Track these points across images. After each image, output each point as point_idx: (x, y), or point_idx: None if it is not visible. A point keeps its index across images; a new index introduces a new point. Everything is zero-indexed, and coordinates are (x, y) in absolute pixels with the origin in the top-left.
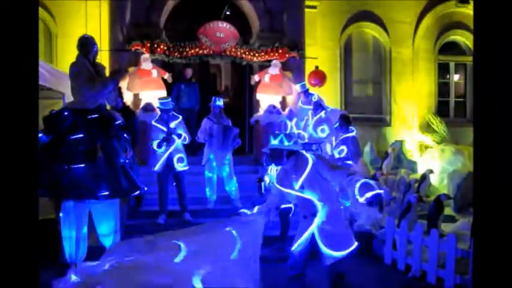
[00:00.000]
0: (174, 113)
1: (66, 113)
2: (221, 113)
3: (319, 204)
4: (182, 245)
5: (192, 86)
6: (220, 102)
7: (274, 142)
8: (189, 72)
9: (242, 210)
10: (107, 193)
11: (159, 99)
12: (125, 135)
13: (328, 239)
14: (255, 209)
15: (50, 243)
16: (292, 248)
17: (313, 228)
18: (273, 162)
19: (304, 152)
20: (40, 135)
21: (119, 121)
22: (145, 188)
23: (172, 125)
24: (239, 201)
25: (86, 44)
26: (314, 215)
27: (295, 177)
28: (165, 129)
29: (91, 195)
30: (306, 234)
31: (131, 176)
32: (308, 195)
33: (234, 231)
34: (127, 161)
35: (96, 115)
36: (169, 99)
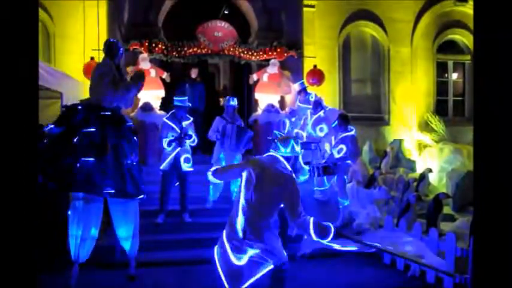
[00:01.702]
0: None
1: (80, 107)
2: (235, 112)
3: None
4: None
5: (196, 86)
6: (234, 102)
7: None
8: (195, 71)
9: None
10: (112, 191)
11: (175, 96)
12: (135, 138)
13: None
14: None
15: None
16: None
17: None
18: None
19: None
20: (51, 126)
21: (130, 123)
22: (145, 196)
23: (183, 125)
24: None
25: (112, 48)
26: None
27: None
28: (177, 128)
29: (96, 191)
30: None
31: (137, 180)
32: None
33: None
34: (134, 163)
35: (109, 113)
36: (186, 98)
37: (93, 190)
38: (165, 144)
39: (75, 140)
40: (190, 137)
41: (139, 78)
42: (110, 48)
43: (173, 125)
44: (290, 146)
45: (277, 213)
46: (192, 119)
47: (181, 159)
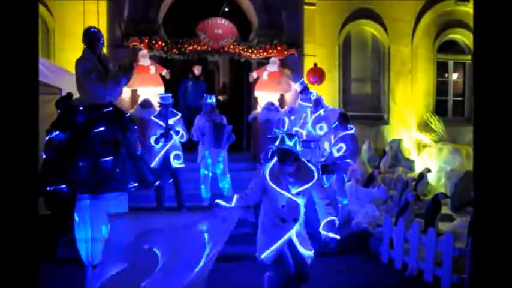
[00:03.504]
0: (173, 109)
1: (81, 108)
2: (213, 110)
3: (302, 210)
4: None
5: (199, 84)
6: (211, 99)
7: (290, 143)
8: (198, 68)
9: (219, 202)
10: (135, 184)
11: (160, 94)
12: (135, 127)
13: (303, 241)
14: (234, 200)
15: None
16: (262, 256)
17: (292, 232)
18: (280, 161)
19: (306, 161)
20: (57, 132)
21: (128, 114)
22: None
23: (170, 121)
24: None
25: (92, 39)
26: (296, 220)
27: (292, 181)
28: (163, 124)
29: (123, 188)
30: (283, 240)
31: (150, 167)
32: (300, 201)
33: (206, 235)
34: (144, 151)
35: (111, 108)
36: (170, 95)
37: (119, 187)
38: (152, 142)
39: (86, 143)
40: (178, 132)
41: (128, 69)
42: (89, 39)
43: (160, 122)
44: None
45: (266, 201)
46: (180, 114)
47: (171, 156)
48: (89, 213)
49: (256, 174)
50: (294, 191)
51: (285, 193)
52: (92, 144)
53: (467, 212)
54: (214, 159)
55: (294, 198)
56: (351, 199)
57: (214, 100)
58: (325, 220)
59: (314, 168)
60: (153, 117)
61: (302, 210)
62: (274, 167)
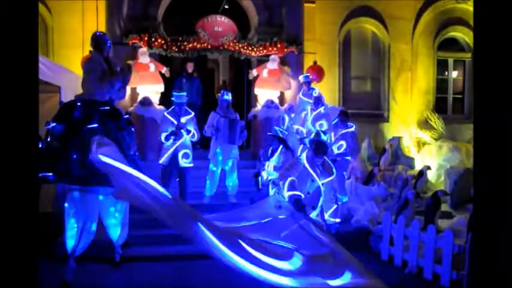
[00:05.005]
0: (187, 108)
1: (79, 104)
2: (228, 107)
3: (321, 200)
4: None
5: (193, 81)
6: (228, 96)
7: (324, 138)
8: (190, 66)
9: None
10: None
11: (174, 92)
12: (132, 129)
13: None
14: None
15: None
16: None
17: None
18: (315, 152)
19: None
20: (53, 124)
21: (127, 116)
22: None
23: (183, 119)
24: (234, 197)
25: (99, 42)
26: (314, 208)
27: (320, 172)
28: (175, 122)
29: (106, 183)
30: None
31: (141, 169)
32: (322, 191)
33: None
34: (137, 153)
35: (107, 107)
36: (184, 94)
37: (105, 182)
38: (162, 138)
39: (78, 137)
40: (189, 131)
41: (125, 72)
42: (96, 43)
43: (172, 119)
44: None
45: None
46: (193, 113)
47: (180, 155)
48: (79, 205)
49: (290, 161)
50: (320, 181)
51: (319, 180)
52: (84, 138)
53: (467, 209)
54: (226, 157)
55: (322, 187)
56: (350, 196)
57: (230, 97)
58: (333, 208)
59: (333, 165)
60: (166, 114)
61: (321, 200)
62: (308, 157)
